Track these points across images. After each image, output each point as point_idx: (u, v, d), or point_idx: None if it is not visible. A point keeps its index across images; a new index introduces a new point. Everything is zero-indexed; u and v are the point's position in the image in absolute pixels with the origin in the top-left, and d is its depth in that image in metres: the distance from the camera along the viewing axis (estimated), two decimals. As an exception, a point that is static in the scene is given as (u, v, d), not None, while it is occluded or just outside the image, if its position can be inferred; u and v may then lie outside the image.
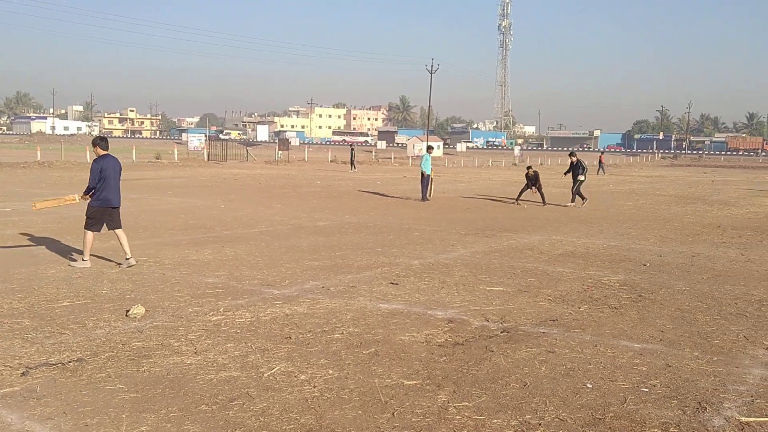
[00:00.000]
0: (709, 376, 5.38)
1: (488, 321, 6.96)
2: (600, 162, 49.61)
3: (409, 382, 5.08)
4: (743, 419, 4.50)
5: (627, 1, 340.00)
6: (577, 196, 21.69)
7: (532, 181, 21.98)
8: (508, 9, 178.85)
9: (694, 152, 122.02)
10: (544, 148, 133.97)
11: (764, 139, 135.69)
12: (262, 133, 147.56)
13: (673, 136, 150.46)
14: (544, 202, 21.64)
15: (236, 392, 4.83)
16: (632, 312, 7.52)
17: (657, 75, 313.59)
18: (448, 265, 10.26)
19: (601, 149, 69.62)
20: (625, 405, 4.73)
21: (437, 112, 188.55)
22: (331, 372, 5.26)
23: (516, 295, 8.24)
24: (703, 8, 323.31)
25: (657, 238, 14.24)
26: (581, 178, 21.74)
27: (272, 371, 5.26)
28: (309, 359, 5.56)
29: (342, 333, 6.35)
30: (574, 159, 22.26)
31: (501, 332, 6.54)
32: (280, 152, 59.47)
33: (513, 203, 21.94)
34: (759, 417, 4.54)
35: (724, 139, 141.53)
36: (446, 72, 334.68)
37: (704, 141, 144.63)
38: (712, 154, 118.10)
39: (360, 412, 4.51)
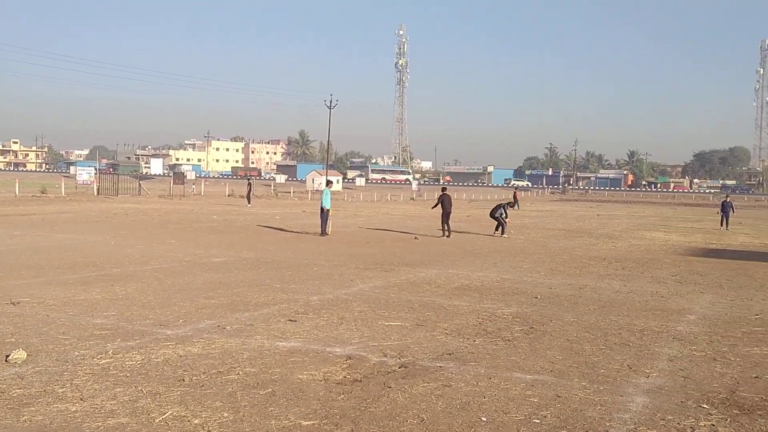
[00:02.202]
0: (596, 405, 5.61)
1: (386, 356, 6.99)
2: (515, 198, 51.48)
3: (306, 423, 5.02)
4: (627, 446, 4.72)
5: (517, 42, 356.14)
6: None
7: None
8: (404, 48, 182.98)
9: (580, 188, 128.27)
10: (441, 183, 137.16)
11: None
12: (156, 166, 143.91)
13: (562, 171, 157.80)
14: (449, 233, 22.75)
15: (125, 440, 4.62)
16: (524, 344, 7.77)
17: (546, 113, 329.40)
18: (348, 300, 10.27)
19: (516, 185, 74.75)
20: (517, 437, 4.86)
21: (336, 146, 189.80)
22: (225, 415, 5.13)
23: (414, 330, 8.33)
24: (586, 51, 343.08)
25: (547, 270, 14.82)
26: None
27: (164, 416, 5.06)
28: (203, 402, 5.40)
29: (238, 373, 6.21)
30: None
31: (399, 367, 6.58)
32: (194, 186, 58.13)
33: (443, 236, 22.39)
34: (641, 443, 4.77)
35: (606, 175, 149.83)
36: (346, 107, 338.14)
37: (590, 177, 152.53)
38: (597, 189, 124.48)
39: (256, 456, 4.41)
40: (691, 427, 5.13)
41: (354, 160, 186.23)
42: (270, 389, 5.77)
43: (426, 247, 19.59)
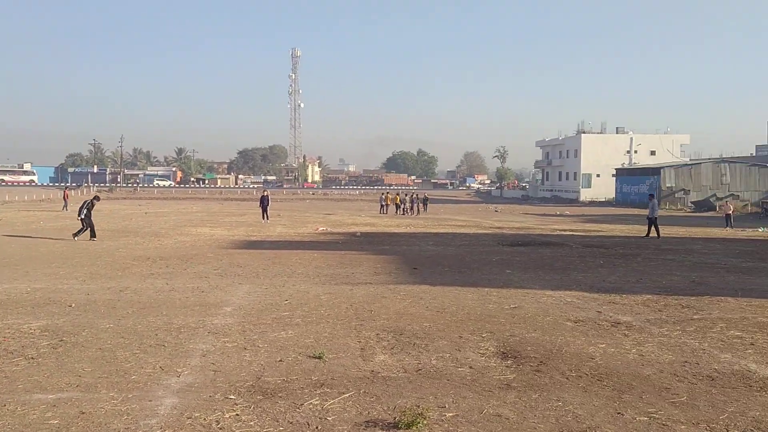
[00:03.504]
0: (123, 415, 5.36)
1: None
2: (65, 198, 48.61)
3: None
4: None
5: (86, 33, 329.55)
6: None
7: None
8: None
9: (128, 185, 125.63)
10: None
11: None
12: None
13: (108, 169, 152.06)
14: None
15: None
16: (51, 360, 7.08)
17: (87, 108, 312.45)
18: None
19: (65, 185, 72.45)
20: (28, 470, 4.33)
21: None
22: None
23: None
24: (123, 48, 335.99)
25: (87, 275, 13.93)
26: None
27: None
28: None
29: None
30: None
31: None
32: None
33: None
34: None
35: (157, 172, 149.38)
36: None
37: (138, 174, 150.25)
38: (146, 187, 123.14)
39: None
40: (217, 421, 5.26)
41: None
42: None
43: (-61, 259, 16.68)
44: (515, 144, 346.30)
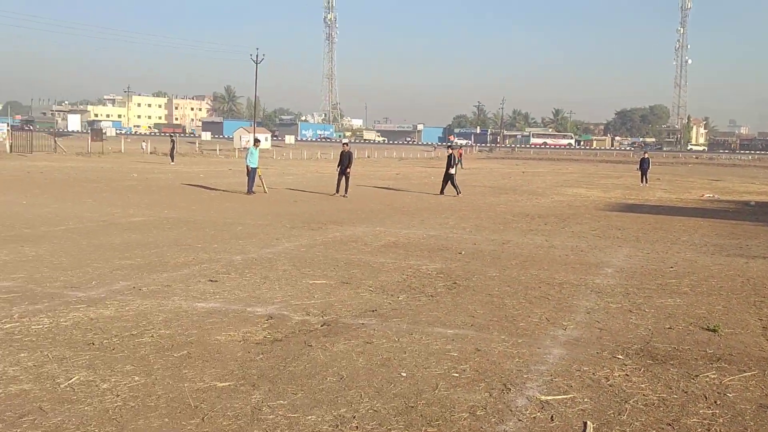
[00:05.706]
0: (514, 357, 5.67)
1: (309, 315, 6.89)
2: (459, 157, 53.54)
3: (222, 384, 4.87)
4: (543, 398, 4.78)
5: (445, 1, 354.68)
6: (453, 186, 23.75)
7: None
8: (332, 2, 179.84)
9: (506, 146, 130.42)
10: (372, 142, 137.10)
11: None
12: (74, 122, 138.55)
13: (489, 130, 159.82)
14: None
15: (27, 407, 4.37)
16: (447, 299, 7.79)
17: (474, 72, 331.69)
18: (272, 259, 10.07)
19: (459, 144, 79.06)
20: (436, 391, 4.85)
21: (264, 103, 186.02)
22: (137, 378, 4.93)
23: (338, 288, 8.24)
24: (514, 8, 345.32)
25: (472, 227, 14.95)
26: (452, 171, 24.14)
27: (70, 381, 4.82)
28: (113, 366, 5.18)
29: (152, 336, 5.98)
30: (450, 152, 25.06)
31: (321, 326, 6.49)
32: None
33: (335, 195, 22.14)
34: (557, 395, 4.84)
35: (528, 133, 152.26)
36: (274, 63, 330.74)
37: (516, 135, 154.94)
38: (523, 147, 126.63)
39: (167, 420, 4.25)
40: (606, 377, 5.24)
41: (283, 117, 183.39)
42: (185, 351, 5.58)
43: (354, 205, 19.48)
44: None
